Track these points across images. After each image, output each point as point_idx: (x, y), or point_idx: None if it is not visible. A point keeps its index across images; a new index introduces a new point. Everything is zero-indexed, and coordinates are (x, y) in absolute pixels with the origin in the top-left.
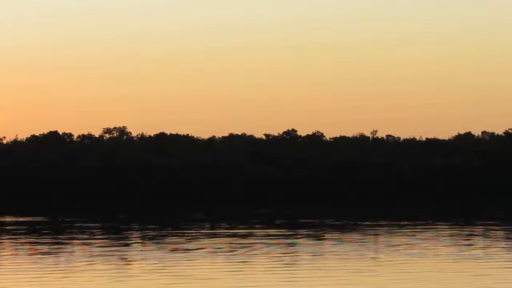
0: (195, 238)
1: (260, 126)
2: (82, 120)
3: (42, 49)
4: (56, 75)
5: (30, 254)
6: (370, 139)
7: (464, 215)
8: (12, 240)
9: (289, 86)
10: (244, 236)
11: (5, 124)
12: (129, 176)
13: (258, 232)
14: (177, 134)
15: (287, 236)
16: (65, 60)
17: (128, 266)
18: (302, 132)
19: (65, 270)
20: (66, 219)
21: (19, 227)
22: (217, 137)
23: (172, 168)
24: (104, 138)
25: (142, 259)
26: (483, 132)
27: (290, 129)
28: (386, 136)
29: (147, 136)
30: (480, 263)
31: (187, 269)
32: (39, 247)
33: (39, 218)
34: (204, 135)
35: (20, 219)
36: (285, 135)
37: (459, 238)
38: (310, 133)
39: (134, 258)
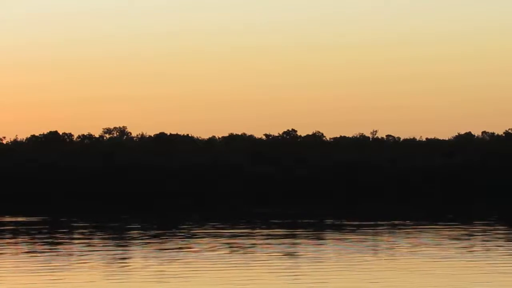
0: (195, 238)
1: (260, 126)
2: (82, 120)
3: (42, 49)
4: (56, 75)
5: (30, 254)
6: (370, 139)
7: (464, 215)
8: (12, 240)
9: (289, 86)
10: (244, 236)
11: (5, 124)
12: (129, 176)
13: (258, 232)
14: (177, 134)
15: (287, 236)
16: (65, 60)
17: (128, 266)
18: (302, 132)
19: (65, 270)
20: (66, 219)
21: (19, 227)
22: (217, 137)
23: (172, 168)
24: (104, 138)
25: (142, 259)
26: (483, 132)
27: (290, 129)
28: (386, 136)
29: (147, 136)
30: (480, 263)
31: (187, 269)
32: (38, 247)
33: (39, 218)
34: (204, 135)
35: (20, 219)
36: (285, 135)
37: (459, 238)
38: (310, 133)
39: (134, 258)
